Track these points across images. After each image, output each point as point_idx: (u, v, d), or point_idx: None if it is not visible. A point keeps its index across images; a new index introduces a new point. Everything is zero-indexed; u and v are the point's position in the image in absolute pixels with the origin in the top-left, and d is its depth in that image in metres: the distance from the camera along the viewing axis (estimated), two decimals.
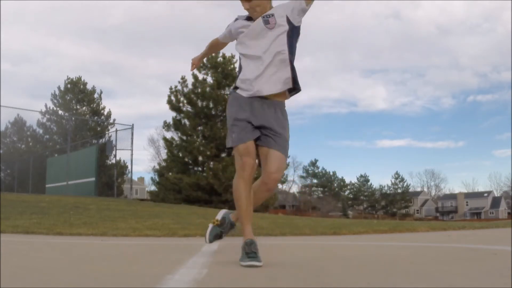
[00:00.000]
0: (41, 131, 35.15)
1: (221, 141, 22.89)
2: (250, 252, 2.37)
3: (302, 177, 64.63)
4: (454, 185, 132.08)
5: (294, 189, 65.02)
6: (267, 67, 2.54)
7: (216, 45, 3.07)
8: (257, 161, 2.68)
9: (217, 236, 3.04)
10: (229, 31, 2.81)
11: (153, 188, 29.23)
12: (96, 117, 35.39)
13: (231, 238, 3.43)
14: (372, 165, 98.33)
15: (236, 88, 2.68)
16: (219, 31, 2.97)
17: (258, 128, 2.58)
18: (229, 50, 26.16)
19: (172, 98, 24.04)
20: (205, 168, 23.16)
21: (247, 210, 2.62)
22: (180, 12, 79.17)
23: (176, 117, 24.18)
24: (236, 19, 2.77)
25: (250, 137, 2.57)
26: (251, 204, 2.66)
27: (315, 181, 65.47)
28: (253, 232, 2.60)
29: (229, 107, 2.67)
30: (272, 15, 2.59)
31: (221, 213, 3.13)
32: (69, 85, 36.23)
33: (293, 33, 2.61)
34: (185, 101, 23.99)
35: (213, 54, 24.58)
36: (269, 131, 2.58)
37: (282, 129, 2.61)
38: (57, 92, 36.20)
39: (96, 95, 36.90)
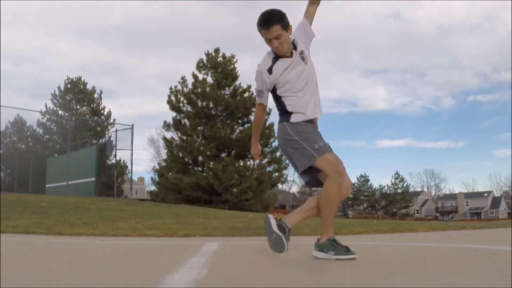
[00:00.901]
0: (41, 131, 35.16)
1: (221, 141, 22.90)
2: (343, 247, 2.69)
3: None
4: (454, 185, 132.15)
5: (294, 189, 65.03)
6: (312, 95, 2.84)
7: (262, 119, 3.08)
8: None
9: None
10: (269, 83, 2.81)
11: (153, 188, 29.24)
12: (96, 117, 35.38)
13: (231, 238, 3.43)
14: (372, 165, 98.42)
15: (287, 116, 2.83)
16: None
17: None
18: (229, 50, 26.07)
19: (172, 98, 24.03)
20: (205, 168, 23.15)
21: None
22: (180, 12, 79.21)
23: (176, 117, 24.18)
24: (269, 69, 2.79)
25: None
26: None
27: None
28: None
29: (295, 130, 2.79)
30: (303, 51, 2.85)
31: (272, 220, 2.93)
32: (69, 85, 36.21)
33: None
34: (185, 101, 23.98)
35: (213, 54, 24.59)
36: None
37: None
38: (57, 92, 36.20)
39: (96, 95, 36.90)
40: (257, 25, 2.71)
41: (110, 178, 24.95)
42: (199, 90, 23.78)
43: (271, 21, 2.66)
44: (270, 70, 2.78)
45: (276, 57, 2.79)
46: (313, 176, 2.81)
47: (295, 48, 2.83)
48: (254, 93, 2.94)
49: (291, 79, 2.79)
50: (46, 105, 36.33)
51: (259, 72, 2.80)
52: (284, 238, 2.71)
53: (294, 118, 2.79)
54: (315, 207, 2.84)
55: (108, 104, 78.07)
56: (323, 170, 2.70)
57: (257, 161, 23.46)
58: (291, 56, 2.80)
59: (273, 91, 2.86)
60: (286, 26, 2.70)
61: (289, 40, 2.77)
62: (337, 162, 2.69)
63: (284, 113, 2.84)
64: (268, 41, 2.71)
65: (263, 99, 2.86)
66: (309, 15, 2.94)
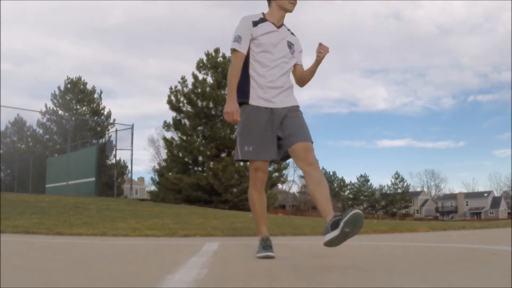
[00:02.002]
0: (41, 131, 35.15)
1: (221, 141, 22.89)
2: (266, 245, 2.81)
3: (302, 177, 64.60)
4: (454, 185, 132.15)
5: (294, 189, 64.99)
6: (283, 91, 2.79)
7: (239, 71, 2.80)
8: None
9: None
10: (248, 40, 2.77)
11: (153, 188, 29.23)
12: (96, 117, 35.37)
13: (231, 238, 3.43)
14: (372, 165, 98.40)
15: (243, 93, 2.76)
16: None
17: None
18: (229, 49, 26.04)
19: (172, 98, 24.03)
20: (205, 168, 23.15)
21: (262, 215, 3.04)
22: (180, 12, 79.21)
23: (176, 117, 24.17)
24: (253, 23, 2.78)
25: (264, 154, 2.84)
26: (265, 209, 3.04)
27: None
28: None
29: (244, 112, 2.78)
30: (293, 45, 2.86)
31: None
32: (69, 85, 36.21)
33: None
34: (185, 101, 23.98)
35: (213, 54, 24.57)
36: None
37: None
38: (57, 92, 36.20)
39: (96, 95, 36.90)
40: None
41: (110, 178, 24.94)
42: (199, 90, 23.77)
43: None
44: (255, 24, 2.77)
45: (264, 18, 2.82)
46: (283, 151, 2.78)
47: (290, 32, 2.89)
48: (232, 40, 2.78)
49: (269, 47, 2.76)
50: (46, 105, 36.39)
51: (244, 20, 2.78)
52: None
53: (251, 100, 2.75)
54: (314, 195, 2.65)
55: (108, 104, 78.22)
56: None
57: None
58: (278, 27, 2.82)
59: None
60: None
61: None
62: (256, 169, 2.81)
63: (240, 86, 2.74)
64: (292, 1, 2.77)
65: (242, 46, 2.74)
66: (302, 74, 2.93)
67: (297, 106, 2.83)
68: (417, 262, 2.69)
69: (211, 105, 23.57)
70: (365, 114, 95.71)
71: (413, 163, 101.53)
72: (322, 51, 2.76)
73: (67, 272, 2.22)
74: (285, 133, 2.71)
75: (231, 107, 2.67)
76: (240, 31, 2.76)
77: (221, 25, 76.86)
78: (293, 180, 61.71)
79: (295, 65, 2.91)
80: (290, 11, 2.80)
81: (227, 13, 78.85)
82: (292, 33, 2.92)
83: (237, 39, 2.74)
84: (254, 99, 2.74)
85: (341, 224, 2.21)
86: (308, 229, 6.32)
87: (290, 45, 2.83)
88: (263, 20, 2.81)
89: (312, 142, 2.72)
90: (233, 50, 2.76)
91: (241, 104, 2.75)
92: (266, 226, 3.02)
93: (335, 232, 2.24)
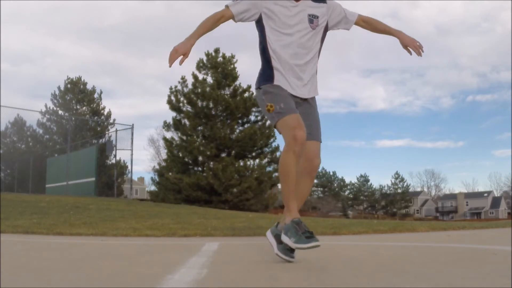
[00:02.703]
0: (41, 131, 35.14)
1: (221, 141, 22.89)
2: (305, 231, 2.24)
3: None
4: (454, 185, 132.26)
5: None
6: (305, 70, 2.54)
7: (213, 25, 2.52)
8: None
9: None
10: (251, 10, 2.47)
11: (153, 188, 29.22)
12: (96, 117, 35.37)
13: (231, 238, 3.43)
14: (372, 165, 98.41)
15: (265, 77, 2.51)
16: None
17: None
18: (229, 49, 26.06)
19: (172, 98, 24.04)
20: (205, 168, 23.15)
21: (295, 186, 2.42)
22: (180, 12, 79.20)
23: (176, 117, 24.19)
24: None
25: (297, 110, 2.44)
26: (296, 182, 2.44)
27: (315, 181, 65.37)
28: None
29: (266, 89, 2.50)
30: (317, 17, 2.54)
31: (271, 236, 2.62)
32: (69, 85, 36.21)
33: (324, 36, 2.63)
34: (185, 101, 23.98)
35: (213, 54, 24.55)
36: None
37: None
38: (57, 92, 36.20)
39: (96, 95, 36.90)
40: None
41: (110, 178, 24.93)
42: (199, 90, 23.77)
43: None
44: None
45: None
46: None
47: None
48: None
49: (283, 26, 2.46)
50: (46, 105, 36.39)
51: None
52: (280, 249, 2.45)
53: (275, 81, 2.48)
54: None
55: (108, 104, 78.43)
56: (283, 136, 2.37)
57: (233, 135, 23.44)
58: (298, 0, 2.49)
59: (261, 28, 2.50)
60: None
61: None
62: (294, 126, 2.32)
63: (262, 70, 2.55)
64: None
65: (235, 7, 2.45)
66: (364, 23, 2.70)
67: (314, 99, 2.66)
68: (417, 262, 2.69)
69: (211, 105, 23.58)
70: (364, 114, 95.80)
71: (413, 163, 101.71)
72: (416, 49, 2.62)
73: (67, 272, 2.22)
74: (305, 119, 2.49)
75: (183, 47, 2.40)
76: None
77: (221, 25, 76.74)
78: None
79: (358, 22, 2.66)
80: None
81: None
82: (320, 0, 2.56)
83: None
84: (279, 81, 2.51)
85: (295, 245, 2.25)
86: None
87: (311, 19, 2.50)
88: None
89: (321, 142, 2.61)
90: (225, 7, 2.49)
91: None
92: (297, 204, 2.46)
93: (313, 243, 2.23)
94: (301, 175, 2.52)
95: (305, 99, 2.58)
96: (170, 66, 2.41)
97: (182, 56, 2.42)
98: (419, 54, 2.64)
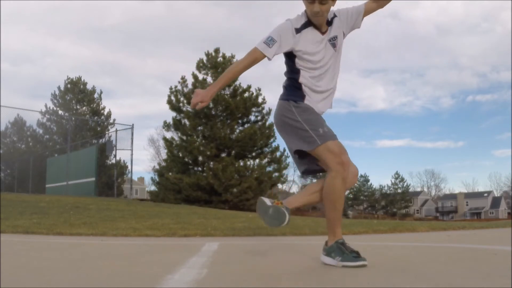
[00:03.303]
0: (41, 131, 35.14)
1: (221, 141, 22.89)
2: (352, 251, 2.34)
3: (302, 177, 64.69)
4: (454, 185, 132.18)
5: (294, 189, 64.94)
6: (330, 91, 2.56)
7: (248, 67, 2.49)
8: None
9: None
10: (288, 43, 2.43)
11: (153, 188, 29.22)
12: (96, 117, 35.37)
13: (231, 238, 3.43)
14: (372, 165, 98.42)
15: (294, 92, 2.51)
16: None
17: None
18: (229, 49, 26.05)
19: (172, 98, 24.05)
20: (205, 168, 23.16)
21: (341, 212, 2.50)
22: (180, 12, 79.24)
23: (176, 117, 24.19)
24: (298, 29, 2.42)
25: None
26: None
27: (315, 181, 65.28)
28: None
29: (299, 110, 2.48)
30: (336, 37, 2.52)
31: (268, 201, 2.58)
32: (69, 85, 36.22)
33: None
34: (185, 101, 23.99)
35: (213, 54, 24.56)
36: None
37: None
38: (57, 92, 36.21)
39: (96, 95, 36.91)
40: None
41: (110, 178, 24.93)
42: None
43: None
44: (298, 31, 2.41)
45: (309, 22, 2.43)
46: (310, 164, 2.52)
47: (329, 23, 2.49)
48: (263, 40, 2.39)
49: (314, 58, 2.45)
50: (46, 105, 36.39)
51: (287, 24, 2.40)
52: (283, 208, 2.40)
53: (307, 100, 2.48)
54: (318, 192, 2.52)
55: (108, 104, 78.46)
56: (324, 160, 2.38)
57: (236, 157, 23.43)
58: (323, 33, 2.47)
59: (290, 58, 2.49)
60: None
61: (330, 10, 2.42)
62: (340, 152, 2.35)
63: (292, 88, 2.52)
64: (310, 2, 2.33)
65: (269, 51, 2.37)
66: (367, 9, 2.60)
67: None
68: (417, 262, 2.69)
69: (211, 105, 23.58)
70: (364, 114, 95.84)
71: (413, 163, 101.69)
72: None
73: (67, 272, 2.22)
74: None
75: (203, 95, 2.46)
76: (278, 35, 2.39)
77: (221, 25, 76.91)
78: (293, 180, 61.69)
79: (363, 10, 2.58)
80: (317, 13, 2.36)
81: (227, 13, 78.95)
82: (332, 18, 2.51)
83: (269, 41, 2.38)
84: (308, 101, 2.51)
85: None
86: (308, 229, 6.32)
87: (333, 43, 2.50)
88: (307, 23, 2.44)
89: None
90: (255, 49, 2.40)
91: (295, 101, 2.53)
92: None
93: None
94: (332, 176, 2.44)
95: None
96: (191, 108, 2.60)
97: (202, 102, 2.48)
98: None
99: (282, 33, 2.40)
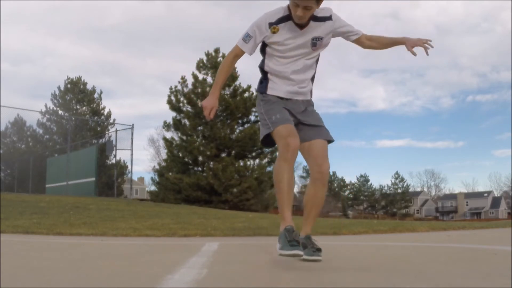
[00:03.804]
0: (41, 131, 35.15)
1: (221, 141, 22.89)
2: (291, 239, 2.24)
3: (302, 177, 64.60)
4: (454, 185, 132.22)
5: (294, 189, 64.91)
6: (300, 81, 2.61)
7: (230, 70, 2.66)
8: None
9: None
10: (257, 43, 2.54)
11: (153, 188, 29.23)
12: (96, 117, 35.37)
13: (231, 238, 3.43)
14: (372, 165, 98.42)
15: (262, 84, 2.63)
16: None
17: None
18: (229, 49, 26.05)
19: (172, 98, 24.04)
20: (205, 168, 23.16)
21: (289, 194, 2.46)
22: (180, 12, 79.24)
23: (176, 117, 24.19)
24: (269, 24, 2.48)
25: (291, 121, 2.52)
26: (292, 189, 2.51)
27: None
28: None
29: (264, 100, 2.62)
30: (321, 38, 2.55)
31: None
32: (69, 85, 36.22)
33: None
34: (185, 101, 23.99)
35: (213, 54, 24.56)
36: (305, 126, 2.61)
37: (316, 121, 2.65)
38: (57, 92, 36.21)
39: (96, 95, 36.91)
40: None
41: (110, 178, 24.93)
42: (199, 90, 23.77)
43: None
44: (272, 25, 2.48)
45: (288, 16, 2.46)
46: None
47: (315, 19, 2.50)
48: (241, 37, 2.54)
49: (287, 50, 2.52)
50: (46, 105, 36.39)
51: (262, 19, 2.48)
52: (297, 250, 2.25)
53: (268, 90, 2.60)
54: (306, 204, 2.66)
55: (108, 104, 78.43)
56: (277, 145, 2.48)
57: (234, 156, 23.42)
58: (303, 27, 2.49)
59: (262, 46, 2.60)
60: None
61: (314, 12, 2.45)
62: (288, 135, 2.41)
63: (260, 79, 2.67)
64: (295, 5, 2.37)
65: (247, 46, 2.51)
66: (361, 41, 2.68)
67: (311, 101, 2.71)
68: (417, 262, 2.69)
69: None
70: (364, 114, 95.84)
71: (413, 163, 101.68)
72: (424, 46, 2.59)
73: (67, 272, 2.22)
74: (308, 123, 2.59)
75: (210, 102, 2.60)
76: (253, 30, 2.50)
77: (221, 25, 76.90)
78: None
79: (355, 40, 2.65)
80: (300, 17, 2.41)
81: (227, 13, 78.95)
82: (326, 18, 2.53)
83: (246, 37, 2.51)
84: (272, 90, 2.61)
85: (301, 253, 2.25)
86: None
87: (315, 42, 2.53)
88: (285, 18, 2.47)
89: (333, 140, 2.62)
90: (236, 45, 2.56)
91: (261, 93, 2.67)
92: (291, 212, 2.47)
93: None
94: (312, 182, 2.61)
95: (305, 108, 2.64)
96: (208, 120, 2.71)
97: (212, 109, 2.63)
98: (427, 50, 2.59)
99: (257, 28, 2.50)
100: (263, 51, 2.63)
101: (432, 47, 2.58)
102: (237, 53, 2.58)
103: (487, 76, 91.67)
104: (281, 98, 2.61)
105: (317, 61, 2.68)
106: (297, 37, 2.51)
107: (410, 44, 2.62)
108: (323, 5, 2.46)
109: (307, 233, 2.63)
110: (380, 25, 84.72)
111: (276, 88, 2.60)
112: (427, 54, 2.58)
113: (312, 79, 2.69)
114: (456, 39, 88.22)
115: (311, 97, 2.72)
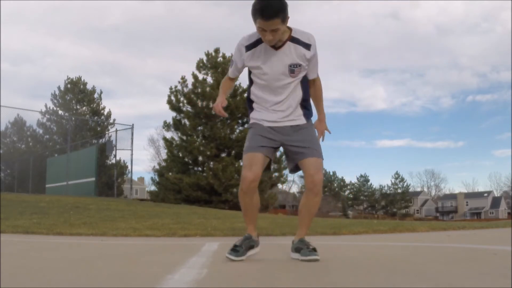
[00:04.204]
0: (41, 131, 35.16)
1: (221, 141, 22.90)
2: (237, 245, 2.63)
3: (302, 177, 64.47)
4: (454, 185, 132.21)
5: (294, 189, 64.94)
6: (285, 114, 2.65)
7: (230, 86, 2.82)
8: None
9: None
10: (239, 68, 2.67)
11: (153, 188, 29.23)
12: (96, 117, 35.38)
13: (231, 238, 3.43)
14: (372, 165, 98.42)
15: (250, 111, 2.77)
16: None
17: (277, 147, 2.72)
18: (229, 49, 26.09)
19: (172, 98, 24.05)
20: (205, 168, 23.16)
21: (251, 213, 2.77)
22: (180, 12, 79.24)
23: (176, 117, 24.19)
24: (245, 48, 2.55)
25: (261, 148, 2.64)
26: (255, 209, 2.75)
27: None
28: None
29: (249, 131, 2.75)
30: (300, 65, 2.56)
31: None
32: (69, 85, 36.23)
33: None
34: (185, 101, 23.99)
35: (213, 54, 24.60)
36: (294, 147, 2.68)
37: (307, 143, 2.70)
38: (57, 92, 36.22)
39: (96, 95, 36.91)
40: (254, 12, 2.34)
41: (110, 178, 24.94)
42: (199, 90, 23.78)
43: (272, 13, 2.31)
44: (249, 48, 2.54)
45: (261, 40, 2.50)
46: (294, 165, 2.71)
47: (292, 40, 2.51)
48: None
49: (261, 70, 2.56)
50: (46, 105, 36.40)
51: (239, 44, 2.57)
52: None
53: (251, 120, 2.73)
54: (300, 211, 2.79)
55: (108, 104, 78.41)
56: None
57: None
58: (278, 48, 2.51)
59: (249, 72, 2.70)
60: (285, 18, 2.37)
61: (284, 30, 2.45)
62: (245, 165, 2.56)
63: (248, 107, 2.79)
64: (262, 30, 2.38)
65: (231, 71, 2.70)
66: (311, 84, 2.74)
67: (305, 124, 2.69)
68: (417, 262, 2.69)
69: (211, 105, 23.58)
70: (364, 114, 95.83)
71: (413, 163, 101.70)
72: (320, 134, 2.80)
73: (67, 272, 2.22)
74: (297, 145, 2.63)
75: (218, 101, 2.67)
76: (235, 53, 2.63)
77: (221, 25, 76.93)
78: (293, 180, 61.74)
79: (310, 80, 2.70)
80: (270, 41, 2.44)
81: (227, 13, 78.97)
82: (305, 44, 2.54)
83: (231, 64, 2.71)
84: (253, 120, 2.71)
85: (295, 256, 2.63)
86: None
87: (293, 69, 2.55)
88: (259, 42, 2.52)
89: (323, 159, 2.66)
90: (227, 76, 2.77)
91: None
92: (254, 225, 2.77)
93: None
94: (306, 192, 2.69)
95: (295, 131, 2.67)
96: (223, 116, 2.87)
97: (221, 104, 2.65)
98: (321, 137, 2.81)
99: (236, 54, 2.62)
100: (250, 78, 2.71)
101: (323, 140, 2.80)
102: (227, 79, 2.76)
103: (487, 76, 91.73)
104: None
105: (303, 83, 2.66)
106: (273, 60, 2.53)
107: (319, 128, 2.81)
108: (306, 29, 2.55)
109: (301, 236, 2.75)
110: (380, 25, 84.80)
111: (257, 117, 2.69)
112: (322, 140, 2.81)
113: (304, 101, 2.68)
114: (456, 39, 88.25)
115: (307, 119, 2.70)
